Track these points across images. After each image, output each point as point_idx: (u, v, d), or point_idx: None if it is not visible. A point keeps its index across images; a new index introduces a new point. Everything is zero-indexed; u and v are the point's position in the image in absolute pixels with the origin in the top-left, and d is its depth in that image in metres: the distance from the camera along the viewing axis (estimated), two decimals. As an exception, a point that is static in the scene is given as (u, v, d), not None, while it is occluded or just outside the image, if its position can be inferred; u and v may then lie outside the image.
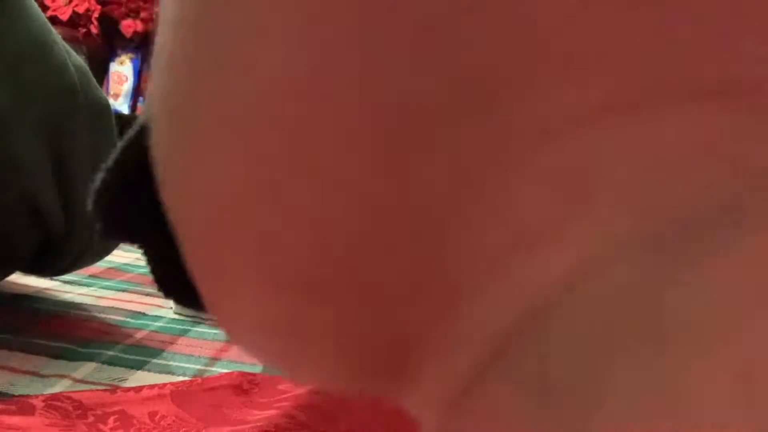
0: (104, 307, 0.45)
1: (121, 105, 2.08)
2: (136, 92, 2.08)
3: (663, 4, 0.09)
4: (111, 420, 0.28)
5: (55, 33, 0.35)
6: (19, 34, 0.34)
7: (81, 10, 1.93)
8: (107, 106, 0.38)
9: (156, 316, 0.45)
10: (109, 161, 0.17)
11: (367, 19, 0.10)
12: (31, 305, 0.43)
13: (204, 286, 0.14)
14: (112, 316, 0.43)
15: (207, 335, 0.42)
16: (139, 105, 2.09)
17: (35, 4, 0.35)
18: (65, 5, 1.95)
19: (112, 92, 2.07)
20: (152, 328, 0.42)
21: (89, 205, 0.18)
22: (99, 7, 1.95)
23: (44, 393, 0.29)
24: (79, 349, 0.35)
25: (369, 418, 0.31)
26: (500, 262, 0.10)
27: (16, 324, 0.39)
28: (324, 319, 0.12)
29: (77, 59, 0.36)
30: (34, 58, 0.34)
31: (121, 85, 2.05)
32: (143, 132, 0.14)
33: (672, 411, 0.08)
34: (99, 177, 0.17)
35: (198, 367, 0.36)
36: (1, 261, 0.39)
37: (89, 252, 0.40)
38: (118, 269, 0.57)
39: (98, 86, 0.37)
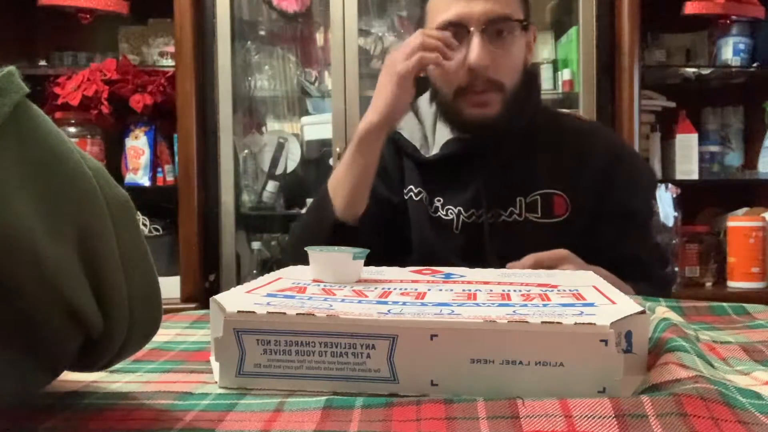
0: (152, 393, 0.46)
1: (141, 178, 2.11)
2: (154, 163, 2.12)
3: None
4: None
5: (69, 141, 0.37)
6: (35, 147, 0.35)
7: (90, 93, 1.98)
8: (127, 201, 0.39)
9: (202, 393, 0.45)
10: None
11: None
12: (80, 401, 0.44)
13: None
14: (161, 401, 0.44)
15: (254, 407, 0.42)
16: (159, 176, 2.13)
17: (48, 117, 0.36)
18: (74, 90, 2.00)
19: (131, 167, 2.12)
20: (200, 408, 0.42)
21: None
22: (107, 87, 2.00)
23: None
24: (133, 442, 0.36)
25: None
26: None
27: (69, 422, 0.40)
28: None
29: (93, 162, 0.38)
30: (51, 168, 0.36)
31: (139, 158, 2.09)
32: None
33: None
34: None
35: (250, 442, 0.37)
36: (47, 365, 0.40)
37: (130, 344, 0.41)
38: (160, 349, 0.58)
39: (117, 184, 0.39)
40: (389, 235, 1.15)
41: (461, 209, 1.12)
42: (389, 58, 1.06)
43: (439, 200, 1.14)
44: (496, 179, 1.11)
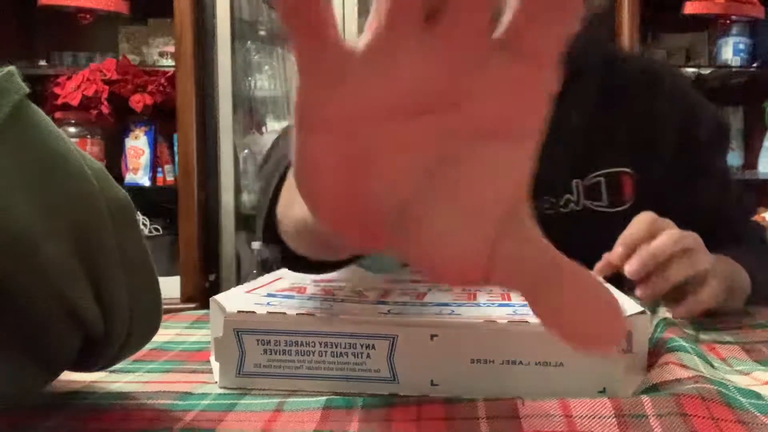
0: (152, 393, 0.46)
1: (141, 178, 2.12)
2: (154, 163, 2.12)
3: None
4: None
5: (70, 141, 0.37)
6: (35, 147, 0.35)
7: (90, 93, 1.98)
8: (128, 201, 0.39)
9: (203, 393, 0.45)
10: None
11: None
12: (81, 401, 0.44)
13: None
14: (161, 401, 0.44)
15: (254, 407, 0.42)
16: (159, 176, 2.13)
17: (48, 118, 0.36)
18: (74, 91, 2.00)
19: (131, 167, 2.12)
20: (201, 407, 0.42)
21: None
22: (107, 87, 2.00)
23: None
24: (133, 442, 0.36)
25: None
26: None
27: (69, 422, 0.40)
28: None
29: (93, 162, 0.38)
30: (51, 168, 0.35)
31: (139, 158, 2.10)
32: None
33: None
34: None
35: (250, 442, 0.37)
36: (47, 365, 0.40)
37: (130, 344, 0.41)
38: (160, 349, 0.58)
39: (117, 184, 0.39)
40: None
41: None
42: None
43: None
44: (548, 157, 0.82)
